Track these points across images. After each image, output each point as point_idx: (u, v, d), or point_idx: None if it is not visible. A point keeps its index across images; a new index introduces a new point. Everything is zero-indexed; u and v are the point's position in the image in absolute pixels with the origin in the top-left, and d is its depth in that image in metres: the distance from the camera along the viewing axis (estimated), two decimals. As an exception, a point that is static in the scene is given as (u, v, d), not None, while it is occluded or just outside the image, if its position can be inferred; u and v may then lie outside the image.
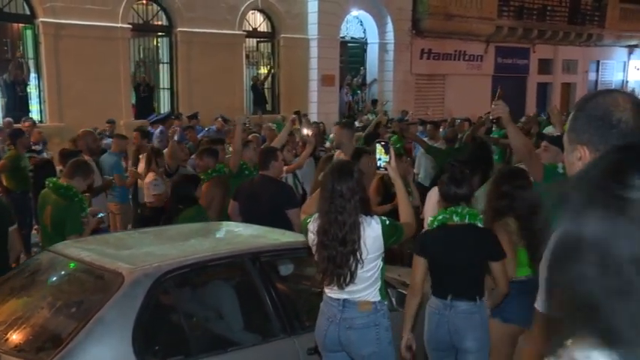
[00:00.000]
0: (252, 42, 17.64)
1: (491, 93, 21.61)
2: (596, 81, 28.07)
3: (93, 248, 3.99)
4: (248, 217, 5.33)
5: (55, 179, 5.30)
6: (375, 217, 3.46)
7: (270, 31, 17.71)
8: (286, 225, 5.07)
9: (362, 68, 20.10)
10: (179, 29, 15.55)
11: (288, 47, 17.63)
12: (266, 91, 17.85)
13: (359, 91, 19.86)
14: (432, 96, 21.61)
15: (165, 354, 3.45)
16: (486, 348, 3.81)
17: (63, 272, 3.94)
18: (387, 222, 3.47)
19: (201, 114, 14.09)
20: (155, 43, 16.55)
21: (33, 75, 13.85)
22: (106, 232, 6.86)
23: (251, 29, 17.31)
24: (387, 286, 3.75)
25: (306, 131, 8.56)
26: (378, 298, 3.48)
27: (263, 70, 18.05)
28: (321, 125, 13.24)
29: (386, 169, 3.74)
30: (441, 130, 12.46)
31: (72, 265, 3.80)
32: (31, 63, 13.89)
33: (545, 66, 25.58)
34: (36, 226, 7.58)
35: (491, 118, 4.15)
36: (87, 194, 5.55)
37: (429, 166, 9.66)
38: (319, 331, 3.54)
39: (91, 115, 12.93)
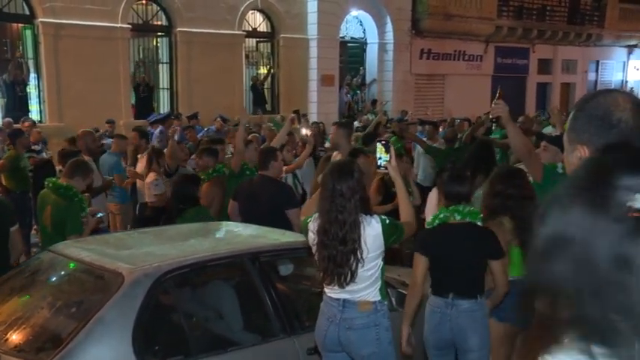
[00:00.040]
0: (251, 42, 17.64)
1: (491, 93, 21.62)
2: (596, 81, 28.07)
3: (93, 248, 3.99)
4: (247, 217, 5.34)
5: (54, 179, 5.30)
6: (375, 216, 3.47)
7: (269, 31, 17.71)
8: (286, 225, 5.07)
9: (361, 68, 20.10)
10: (179, 29, 15.55)
11: (288, 47, 17.63)
12: (266, 91, 17.85)
13: (358, 91, 19.86)
14: (431, 96, 21.60)
15: (165, 354, 3.45)
16: (487, 346, 3.82)
17: (63, 272, 3.94)
18: (387, 221, 3.47)
19: (201, 114, 14.08)
20: (155, 43, 16.54)
21: (32, 75, 13.84)
22: (105, 232, 6.86)
23: (251, 29, 17.31)
24: (386, 286, 3.75)
25: (304, 131, 8.56)
26: (378, 297, 3.48)
27: (263, 70, 18.05)
28: (321, 125, 13.23)
29: (386, 168, 3.75)
30: (440, 130, 12.47)
31: (72, 265, 3.80)
32: (31, 63, 13.88)
33: (544, 66, 25.59)
34: (35, 227, 7.57)
35: (490, 117, 4.14)
36: (87, 194, 5.54)
37: (427, 166, 9.67)
38: (319, 331, 3.54)
39: (90, 116, 12.92)
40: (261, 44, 18.01)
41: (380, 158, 3.78)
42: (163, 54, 16.20)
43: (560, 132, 6.66)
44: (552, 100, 25.00)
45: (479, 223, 3.87)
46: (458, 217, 3.83)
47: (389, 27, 19.48)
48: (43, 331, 3.39)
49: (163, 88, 16.19)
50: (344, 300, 3.45)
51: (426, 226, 4.00)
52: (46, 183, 5.26)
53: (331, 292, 3.49)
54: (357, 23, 19.65)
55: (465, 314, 3.74)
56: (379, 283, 3.49)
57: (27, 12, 13.65)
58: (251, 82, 17.41)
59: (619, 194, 0.91)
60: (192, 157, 7.98)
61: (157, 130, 11.20)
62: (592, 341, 0.92)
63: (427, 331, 3.89)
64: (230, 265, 4.06)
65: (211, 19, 15.87)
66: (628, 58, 29.17)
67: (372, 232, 3.38)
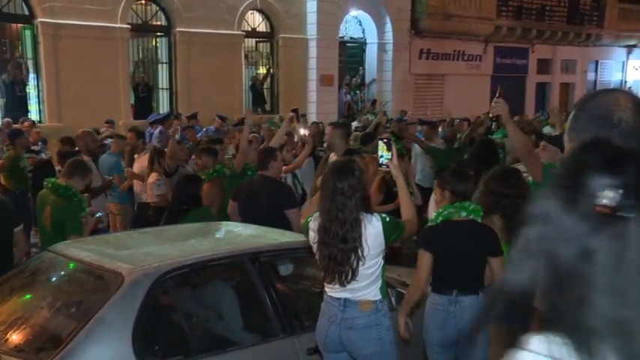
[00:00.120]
0: (251, 42, 17.64)
1: (491, 93, 21.63)
2: (595, 81, 28.09)
3: (93, 248, 3.99)
4: (247, 217, 5.33)
5: (53, 179, 5.29)
6: (376, 214, 3.48)
7: (269, 31, 17.71)
8: (285, 225, 5.07)
9: (361, 68, 20.10)
10: (178, 29, 15.55)
11: (287, 47, 17.63)
12: (265, 91, 17.85)
13: (358, 91, 19.86)
14: (430, 96, 21.61)
15: (165, 354, 3.45)
16: (487, 342, 3.83)
17: (63, 272, 3.94)
18: (388, 219, 3.48)
19: (201, 114, 14.07)
20: (154, 43, 16.53)
21: (32, 75, 13.83)
22: (105, 232, 6.86)
23: (250, 29, 17.31)
24: (386, 286, 3.75)
25: (303, 131, 8.56)
26: (379, 296, 3.49)
27: (262, 70, 18.05)
28: (321, 125, 13.22)
29: (388, 166, 3.74)
30: (440, 130, 12.46)
31: (72, 265, 3.80)
32: (30, 63, 13.87)
33: (544, 66, 25.60)
34: (35, 227, 7.56)
35: (490, 116, 4.13)
36: (86, 194, 5.53)
37: (426, 166, 9.66)
38: (320, 331, 3.54)
39: (89, 116, 12.91)
40: (261, 44, 18.01)
41: (382, 156, 3.77)
42: (163, 54, 16.19)
43: (560, 132, 6.67)
44: (552, 100, 25.02)
45: (479, 220, 3.89)
46: (463, 214, 3.84)
47: (388, 27, 19.48)
48: (43, 331, 3.39)
49: (163, 88, 16.18)
50: (345, 299, 3.45)
51: (429, 223, 4.00)
52: (45, 183, 5.26)
53: (332, 291, 3.50)
54: (356, 23, 19.65)
55: (469, 310, 3.76)
56: (380, 281, 3.49)
57: (26, 12, 13.65)
58: (250, 82, 17.41)
59: (588, 191, 0.96)
60: (193, 157, 7.97)
61: (157, 131, 11.19)
62: (558, 333, 0.97)
63: (430, 329, 3.89)
64: (230, 265, 4.06)
65: (211, 19, 15.86)
66: (627, 58, 29.19)
67: (372, 230, 3.38)
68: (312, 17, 17.64)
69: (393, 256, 5.68)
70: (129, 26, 14.76)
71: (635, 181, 0.96)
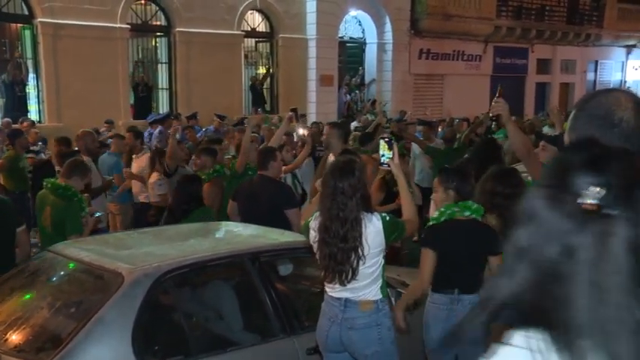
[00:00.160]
0: (250, 42, 17.64)
1: (490, 93, 21.63)
2: (595, 81, 28.10)
3: (92, 248, 3.99)
4: (247, 217, 5.33)
5: (52, 180, 5.28)
6: (376, 213, 3.48)
7: (268, 31, 17.71)
8: (285, 225, 5.07)
9: (360, 68, 20.10)
10: (178, 29, 15.55)
11: (287, 47, 17.64)
12: (265, 91, 17.85)
13: (357, 91, 19.86)
14: (430, 96, 21.62)
15: (165, 354, 3.45)
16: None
17: (63, 272, 3.94)
18: (388, 218, 3.49)
19: (200, 114, 14.08)
20: (154, 43, 16.53)
21: (31, 75, 13.83)
22: (105, 232, 6.86)
23: (250, 29, 17.31)
24: (387, 285, 3.75)
25: (302, 131, 8.56)
26: (379, 296, 3.49)
27: (262, 70, 18.05)
28: (320, 125, 13.20)
29: (389, 165, 3.74)
30: (439, 130, 12.46)
31: (72, 265, 3.80)
32: (30, 63, 13.88)
33: (543, 66, 25.60)
34: (34, 227, 7.56)
35: (490, 115, 4.10)
36: (86, 194, 5.53)
37: (426, 166, 9.68)
38: (321, 331, 3.54)
39: (89, 116, 12.92)
40: (260, 44, 18.01)
41: (383, 155, 3.75)
42: (162, 54, 16.19)
43: (560, 132, 6.66)
44: (551, 100, 25.03)
45: (479, 219, 3.90)
46: (467, 214, 3.85)
47: (388, 27, 19.48)
48: (43, 331, 3.39)
49: (162, 88, 16.18)
50: (345, 299, 3.46)
51: (431, 221, 3.98)
52: (44, 184, 5.25)
53: (332, 291, 3.50)
54: (355, 23, 19.65)
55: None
56: (380, 281, 3.50)
57: (26, 12, 13.65)
58: (250, 82, 17.41)
59: (572, 190, 0.98)
60: (193, 157, 7.96)
61: (157, 131, 11.20)
62: (538, 329, 1.00)
63: (431, 328, 3.87)
64: (230, 265, 4.06)
65: (210, 19, 15.86)
66: (627, 58, 29.20)
67: (373, 229, 3.39)
68: (311, 17, 17.64)
69: (393, 256, 5.68)
70: (128, 26, 14.76)
71: (619, 179, 0.98)
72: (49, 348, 3.12)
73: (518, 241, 1.03)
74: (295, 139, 9.36)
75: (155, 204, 7.08)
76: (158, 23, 15.96)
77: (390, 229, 3.45)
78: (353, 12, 19.00)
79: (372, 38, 19.77)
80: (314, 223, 3.50)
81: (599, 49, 27.48)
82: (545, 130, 10.95)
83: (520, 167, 4.67)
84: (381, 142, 3.78)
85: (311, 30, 17.74)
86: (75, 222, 4.99)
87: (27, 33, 13.97)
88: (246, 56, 17.34)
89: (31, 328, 3.42)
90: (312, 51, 17.83)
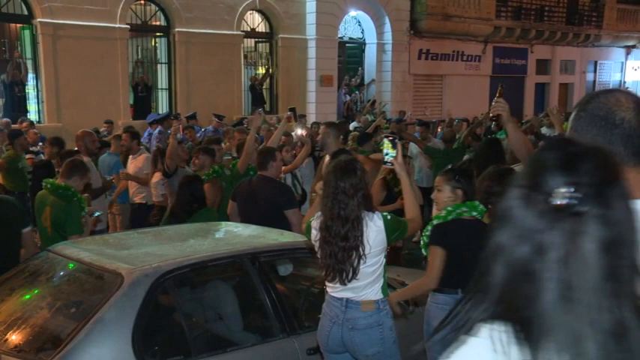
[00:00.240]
0: (250, 42, 17.64)
1: (490, 93, 21.66)
2: (594, 81, 28.13)
3: (92, 248, 3.99)
4: (247, 218, 5.33)
5: (52, 180, 5.27)
6: (378, 212, 3.48)
7: (268, 31, 17.72)
8: (285, 225, 5.07)
9: (360, 68, 20.09)
10: (177, 29, 15.55)
11: (287, 47, 17.64)
12: (264, 91, 17.84)
13: (357, 92, 19.86)
14: (430, 96, 21.63)
15: (165, 354, 3.45)
16: None
17: (63, 272, 3.93)
18: (389, 217, 3.49)
19: (200, 114, 14.08)
20: (153, 43, 16.53)
21: (31, 75, 13.83)
22: (105, 232, 6.85)
23: (249, 29, 17.31)
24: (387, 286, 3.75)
25: (300, 131, 8.55)
26: (380, 295, 3.49)
27: (261, 71, 18.05)
28: (320, 126, 13.21)
29: (392, 164, 3.72)
30: (439, 130, 12.47)
31: (71, 265, 3.80)
32: (29, 63, 13.87)
33: (543, 66, 25.62)
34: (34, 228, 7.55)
35: (491, 115, 4.08)
36: (86, 194, 5.52)
37: (425, 166, 9.69)
38: (322, 332, 3.55)
39: (89, 116, 12.93)
40: (260, 44, 18.01)
41: (387, 154, 3.72)
42: (162, 54, 16.19)
43: (559, 132, 6.66)
44: (551, 100, 25.04)
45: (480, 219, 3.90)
46: (474, 214, 3.84)
47: (387, 27, 19.48)
48: (43, 331, 3.39)
49: (162, 89, 16.18)
50: (347, 300, 3.46)
51: (436, 220, 3.95)
52: (43, 184, 5.24)
53: (334, 291, 3.50)
54: (355, 23, 19.65)
55: None
56: (381, 280, 3.50)
57: (25, 12, 13.65)
58: (249, 83, 17.40)
59: (544, 189, 1.01)
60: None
61: (156, 131, 11.18)
62: (502, 322, 1.03)
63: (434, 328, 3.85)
64: (230, 265, 4.06)
65: (210, 20, 15.86)
66: (626, 59, 29.22)
67: (374, 228, 3.39)
68: (311, 17, 17.64)
69: (394, 256, 5.68)
70: (128, 26, 14.76)
71: (590, 178, 1.00)
72: (49, 348, 3.12)
73: (494, 240, 1.06)
74: (294, 139, 9.36)
75: (158, 204, 7.09)
76: (158, 23, 15.96)
77: (392, 228, 3.46)
78: (352, 12, 19.00)
79: (371, 38, 19.77)
80: (316, 223, 3.50)
81: (599, 50, 27.51)
82: (543, 130, 10.95)
83: (520, 167, 4.66)
84: (385, 140, 3.74)
85: (310, 30, 17.74)
86: (75, 222, 4.98)
87: (26, 33, 13.97)
88: (245, 56, 17.34)
89: (31, 328, 3.41)
90: (312, 51, 17.83)
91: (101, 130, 11.51)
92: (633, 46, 28.73)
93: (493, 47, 23.04)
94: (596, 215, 0.99)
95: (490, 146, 6.34)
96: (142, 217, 7.19)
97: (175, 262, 3.57)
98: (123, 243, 4.41)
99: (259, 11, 17.28)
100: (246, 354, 3.62)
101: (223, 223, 5.21)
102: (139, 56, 16.06)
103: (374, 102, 18.18)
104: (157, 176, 7.16)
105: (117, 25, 14.41)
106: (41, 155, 9.53)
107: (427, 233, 3.99)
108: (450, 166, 4.31)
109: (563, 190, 0.99)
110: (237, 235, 4.61)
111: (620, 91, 1.64)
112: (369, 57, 19.99)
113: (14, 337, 3.32)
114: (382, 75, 19.91)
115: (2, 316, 3.53)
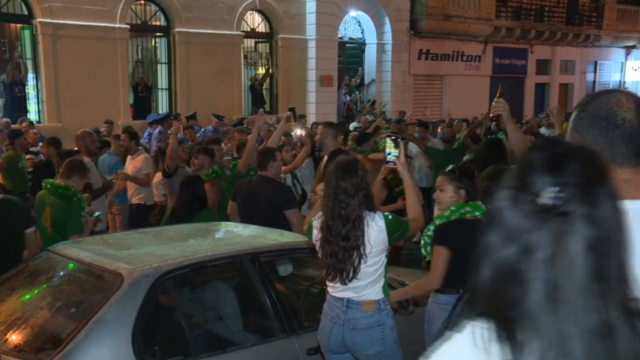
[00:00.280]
0: (250, 42, 17.64)
1: (490, 93, 21.66)
2: (594, 81, 28.13)
3: (92, 248, 3.99)
4: (246, 218, 5.33)
5: (52, 180, 5.27)
6: (379, 212, 3.48)
7: (268, 31, 17.72)
8: (285, 225, 5.07)
9: (360, 69, 20.09)
10: (177, 29, 15.55)
11: (287, 48, 17.64)
12: (264, 91, 17.84)
13: (357, 92, 19.86)
14: (430, 96, 21.63)
15: (165, 354, 3.45)
16: None
17: (63, 272, 3.93)
18: (391, 217, 3.49)
19: (200, 114, 14.08)
20: (153, 43, 16.53)
21: (31, 75, 13.83)
22: (105, 232, 6.85)
23: (249, 30, 17.31)
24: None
25: (299, 131, 8.54)
26: (381, 295, 3.49)
27: (261, 71, 18.05)
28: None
29: (395, 163, 3.71)
30: (439, 130, 12.46)
31: (71, 265, 3.80)
32: (29, 63, 13.87)
33: (543, 66, 25.63)
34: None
35: (491, 115, 4.07)
36: (86, 194, 5.52)
37: (424, 166, 9.69)
38: (323, 332, 3.55)
39: (89, 116, 12.93)
40: (260, 45, 18.01)
41: (389, 153, 3.70)
42: (162, 54, 16.19)
43: (559, 132, 6.66)
44: (551, 100, 25.04)
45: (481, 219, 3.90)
46: (477, 214, 3.84)
47: (387, 27, 19.48)
48: (43, 331, 3.39)
49: (162, 89, 16.18)
50: (348, 300, 3.46)
51: (439, 220, 3.94)
52: (43, 184, 5.24)
53: (335, 291, 3.50)
54: (355, 24, 19.65)
55: None
56: (382, 280, 3.50)
57: (25, 12, 13.65)
58: (249, 83, 17.40)
59: (531, 190, 1.02)
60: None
61: (156, 131, 11.18)
62: (486, 320, 1.04)
63: (434, 329, 3.84)
64: (230, 265, 4.06)
65: (210, 20, 15.86)
66: (626, 59, 29.23)
67: (375, 228, 3.39)
68: (311, 18, 17.64)
69: (394, 256, 5.68)
70: (128, 26, 14.76)
71: (577, 178, 1.01)
72: (49, 348, 3.12)
73: (484, 241, 1.07)
74: (294, 140, 9.35)
75: (159, 204, 7.09)
76: (158, 23, 15.96)
77: (393, 228, 3.46)
78: (352, 12, 19.00)
79: (371, 39, 19.77)
80: (317, 222, 3.50)
81: (599, 50, 27.51)
82: (543, 131, 10.95)
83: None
84: (388, 140, 3.73)
85: (310, 30, 17.74)
86: (75, 222, 4.98)
87: (26, 33, 13.97)
88: (245, 57, 17.34)
89: (31, 328, 3.41)
90: (312, 51, 17.83)
91: (101, 130, 11.50)
92: (633, 47, 28.73)
93: (493, 47, 23.04)
94: (582, 215, 0.99)
95: (491, 146, 6.34)
96: (140, 217, 7.17)
97: (175, 262, 3.58)
98: (123, 243, 4.41)
99: (259, 11, 17.29)
100: (246, 354, 3.62)
101: (223, 223, 5.21)
102: (139, 56, 16.06)
103: (374, 102, 18.18)
104: (158, 176, 7.17)
105: (117, 25, 14.41)
106: (41, 155, 9.53)
107: (428, 233, 3.99)
108: (451, 167, 4.28)
109: (549, 190, 1.00)
110: (237, 235, 4.61)
111: (620, 92, 1.64)
112: (369, 57, 19.99)
113: (14, 337, 3.32)
114: (382, 75, 19.91)
115: (2, 316, 3.53)
